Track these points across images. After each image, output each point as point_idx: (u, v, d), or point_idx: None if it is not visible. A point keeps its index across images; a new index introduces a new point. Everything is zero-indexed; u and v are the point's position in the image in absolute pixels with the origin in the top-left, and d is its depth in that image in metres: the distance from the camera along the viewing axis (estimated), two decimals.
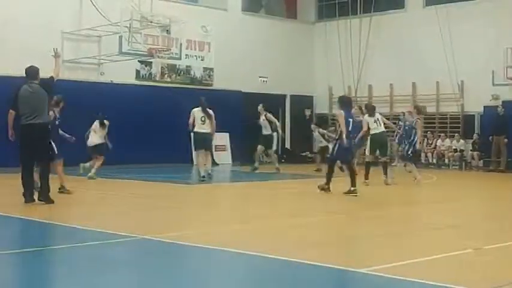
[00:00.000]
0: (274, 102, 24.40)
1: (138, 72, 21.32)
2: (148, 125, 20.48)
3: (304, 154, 24.71)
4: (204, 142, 15.54)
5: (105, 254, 6.85)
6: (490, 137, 20.57)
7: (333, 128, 19.11)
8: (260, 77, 24.25)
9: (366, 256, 6.72)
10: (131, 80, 21.05)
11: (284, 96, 25.55)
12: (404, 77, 23.34)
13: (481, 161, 21.34)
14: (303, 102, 25.84)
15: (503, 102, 20.83)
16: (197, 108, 15.34)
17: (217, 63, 23.11)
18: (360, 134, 14.48)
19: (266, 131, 18.90)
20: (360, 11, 24.94)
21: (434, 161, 22.46)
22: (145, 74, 21.54)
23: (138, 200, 12.07)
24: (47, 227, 8.67)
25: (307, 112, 25.87)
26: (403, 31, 23.61)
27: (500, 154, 20.44)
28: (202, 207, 11.31)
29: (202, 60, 22.80)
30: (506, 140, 20.31)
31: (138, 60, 20.87)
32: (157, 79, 21.77)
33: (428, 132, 23.00)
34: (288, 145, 25.52)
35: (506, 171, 19.81)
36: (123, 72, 20.53)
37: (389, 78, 23.86)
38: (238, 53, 23.46)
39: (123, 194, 12.83)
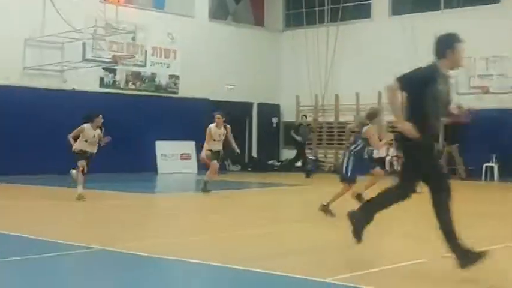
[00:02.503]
0: (241, 110, 24.35)
1: (102, 79, 21.03)
2: (113, 133, 20.16)
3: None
4: None
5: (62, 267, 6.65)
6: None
7: None
8: (227, 84, 24.12)
9: (332, 265, 6.63)
10: (95, 87, 20.75)
11: (251, 104, 25.46)
12: (370, 86, 23.38)
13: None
14: (270, 110, 25.81)
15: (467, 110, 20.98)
16: None
17: (183, 70, 22.93)
18: None
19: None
20: (327, 20, 25.06)
21: (399, 168, 22.54)
22: (109, 82, 21.25)
23: (101, 211, 11.84)
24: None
25: (274, 120, 25.89)
26: (370, 40, 23.74)
27: (455, 163, 20.68)
28: (167, 218, 11.14)
29: (168, 67, 22.60)
30: (458, 147, 20.53)
31: (102, 68, 20.61)
32: (121, 86, 21.50)
33: (393, 140, 23.14)
34: (254, 153, 25.42)
35: (466, 179, 19.92)
36: (86, 80, 20.24)
37: (355, 87, 23.95)
38: (205, 61, 23.32)
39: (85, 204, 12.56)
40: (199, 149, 22.50)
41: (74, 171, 13.09)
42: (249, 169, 24.07)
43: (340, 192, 10.68)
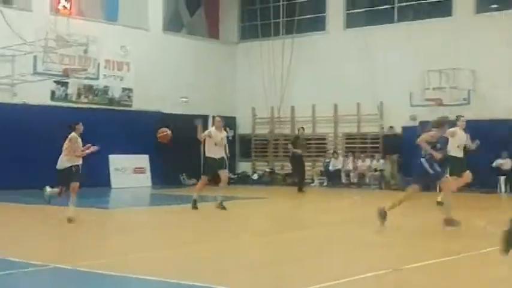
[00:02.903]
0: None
1: (53, 92, 20.54)
2: None
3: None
4: None
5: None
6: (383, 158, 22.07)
7: None
8: (181, 97, 23.87)
9: (291, 278, 6.51)
10: (46, 100, 20.24)
11: (206, 117, 25.20)
12: (326, 98, 23.54)
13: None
14: (225, 123, 25.49)
15: (420, 122, 21.18)
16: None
17: (137, 83, 22.61)
18: None
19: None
20: (283, 32, 25.11)
21: (355, 180, 22.69)
22: (61, 95, 20.77)
23: (53, 227, 11.50)
24: None
25: (230, 133, 25.67)
26: (325, 53, 23.86)
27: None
28: (123, 234, 10.87)
29: (121, 80, 22.24)
30: (399, 159, 21.12)
31: (54, 81, 20.15)
32: (73, 100, 21.02)
33: (349, 152, 23.30)
34: None
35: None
36: (37, 93, 19.73)
37: (311, 99, 24.01)
38: (159, 73, 23.06)
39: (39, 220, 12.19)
40: (153, 162, 22.29)
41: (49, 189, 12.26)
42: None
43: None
